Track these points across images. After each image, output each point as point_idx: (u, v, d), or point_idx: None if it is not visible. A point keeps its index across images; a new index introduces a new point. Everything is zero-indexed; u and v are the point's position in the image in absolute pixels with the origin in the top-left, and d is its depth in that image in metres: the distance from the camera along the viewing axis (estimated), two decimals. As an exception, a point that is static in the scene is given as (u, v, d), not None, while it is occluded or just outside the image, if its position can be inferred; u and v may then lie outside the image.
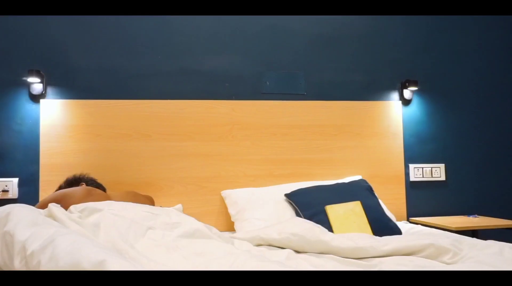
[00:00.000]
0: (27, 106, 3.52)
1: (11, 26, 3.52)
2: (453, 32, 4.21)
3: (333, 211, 3.06)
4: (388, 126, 3.99)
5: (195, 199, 3.63)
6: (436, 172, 4.07)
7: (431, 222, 3.64)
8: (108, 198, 2.88)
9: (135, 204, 2.54)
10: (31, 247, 1.67)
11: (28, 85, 3.52)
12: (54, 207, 2.24)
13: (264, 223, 3.16)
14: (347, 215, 3.05)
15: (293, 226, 2.43)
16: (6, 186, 3.42)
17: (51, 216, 2.19)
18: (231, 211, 3.48)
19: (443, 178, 4.08)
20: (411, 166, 4.03)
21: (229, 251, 1.94)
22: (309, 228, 2.35)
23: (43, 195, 3.41)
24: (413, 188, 4.03)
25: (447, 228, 3.41)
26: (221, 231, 2.99)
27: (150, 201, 3.19)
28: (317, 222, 2.77)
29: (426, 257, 2.11)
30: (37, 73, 3.44)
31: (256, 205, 3.38)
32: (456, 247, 2.12)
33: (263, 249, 2.38)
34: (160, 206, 2.85)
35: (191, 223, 2.27)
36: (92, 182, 3.24)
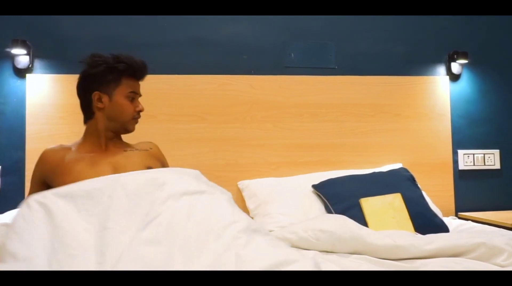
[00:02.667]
0: (11, 82, 3.49)
1: (-8, -12, 3.47)
2: (509, -6, 4.13)
3: (369, 204, 3.02)
4: (433, 105, 3.94)
5: (208, 191, 3.58)
6: (489, 159, 4.02)
7: (483, 217, 3.60)
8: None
9: None
10: None
11: (12, 58, 3.48)
12: None
13: (288, 219, 3.15)
14: (385, 209, 3.00)
15: (322, 222, 2.44)
16: (-13, 175, 3.40)
17: None
18: (250, 204, 3.46)
19: (497, 166, 4.04)
20: (460, 152, 3.99)
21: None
22: (341, 224, 2.34)
23: (29, 186, 3.34)
24: (463, 178, 3.99)
25: (503, 224, 3.35)
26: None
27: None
28: (350, 217, 2.74)
29: (477, 258, 2.07)
30: (22, 44, 3.40)
31: (279, 197, 3.34)
32: (513, 247, 2.10)
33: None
34: None
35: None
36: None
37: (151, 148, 2.76)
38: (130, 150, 2.62)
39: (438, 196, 3.82)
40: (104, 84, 2.47)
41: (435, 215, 3.13)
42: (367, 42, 3.96)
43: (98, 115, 2.50)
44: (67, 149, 2.52)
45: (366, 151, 3.82)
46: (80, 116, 3.45)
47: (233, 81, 3.70)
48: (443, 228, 3.04)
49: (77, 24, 3.58)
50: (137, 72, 2.56)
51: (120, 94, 2.49)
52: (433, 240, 2.17)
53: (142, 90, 3.51)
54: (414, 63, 4.00)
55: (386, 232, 2.38)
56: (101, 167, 2.42)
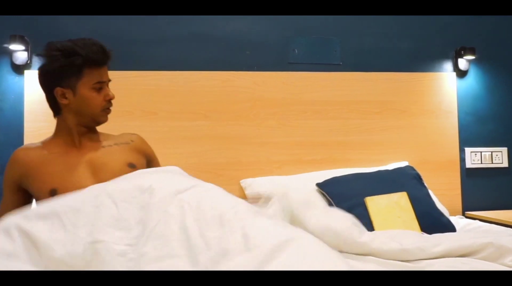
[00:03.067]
0: (9, 78, 3.47)
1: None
2: (518, -12, 4.11)
3: (374, 203, 3.02)
4: (439, 102, 3.93)
5: (210, 189, 3.58)
6: (497, 157, 4.00)
7: (491, 217, 3.58)
8: None
9: None
10: None
11: (10, 53, 3.46)
12: None
13: (292, 219, 3.10)
14: (391, 208, 3.00)
15: (330, 217, 2.35)
16: (-16, 174, 3.36)
17: None
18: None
19: (505, 164, 4.03)
20: (468, 150, 3.97)
21: None
22: (348, 226, 2.27)
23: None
24: (470, 177, 3.98)
25: (511, 224, 3.34)
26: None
27: None
28: (355, 216, 2.73)
29: (485, 258, 2.08)
30: (20, 39, 3.38)
31: (283, 196, 3.30)
32: (521, 246, 2.09)
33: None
34: None
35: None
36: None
37: (132, 141, 2.61)
38: (109, 146, 2.49)
39: (445, 195, 3.80)
40: (64, 78, 2.32)
41: (441, 214, 3.13)
42: (373, 37, 3.94)
43: (65, 111, 2.37)
44: (38, 148, 2.40)
45: (371, 149, 3.81)
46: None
47: (235, 77, 3.68)
48: (450, 228, 3.05)
49: (76, 19, 3.55)
50: (98, 60, 2.38)
51: (84, 87, 2.34)
52: (440, 242, 2.17)
53: (143, 87, 3.53)
54: (420, 59, 3.98)
55: (392, 232, 2.38)
56: (79, 169, 2.32)
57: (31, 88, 3.42)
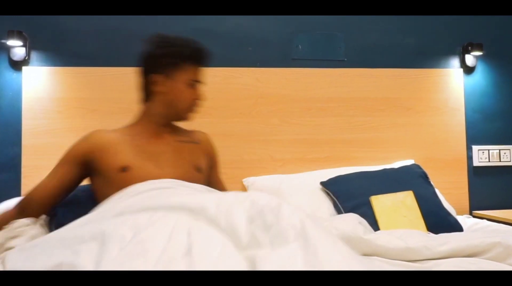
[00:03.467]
0: (7, 74, 3.45)
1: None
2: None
3: (379, 202, 3.00)
4: (446, 99, 3.92)
5: (211, 188, 3.56)
6: (505, 155, 4.00)
7: (499, 216, 3.57)
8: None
9: None
10: None
11: (7, 49, 3.44)
12: None
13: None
14: (396, 207, 2.98)
15: (338, 218, 2.42)
16: (-19, 173, 3.37)
17: None
18: (255, 202, 3.40)
19: (514, 162, 4.00)
20: (475, 148, 3.96)
21: None
22: (354, 225, 2.27)
23: (26, 183, 3.32)
24: (477, 175, 3.96)
25: (520, 223, 3.29)
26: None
27: None
28: (360, 215, 2.73)
29: (492, 258, 2.04)
30: (18, 35, 3.36)
31: (286, 195, 3.30)
32: (529, 246, 2.06)
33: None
34: None
35: None
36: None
37: (201, 141, 2.74)
38: (182, 142, 2.60)
39: (452, 193, 3.79)
40: (164, 67, 2.47)
41: (448, 214, 3.11)
42: (378, 33, 3.92)
43: (155, 99, 2.51)
44: (115, 130, 2.52)
45: (376, 147, 3.80)
46: (79, 110, 3.47)
47: (238, 73, 3.66)
48: (457, 227, 3.02)
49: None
50: (201, 58, 2.56)
51: (179, 79, 2.48)
52: (447, 241, 2.13)
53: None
54: (426, 55, 3.97)
55: (397, 232, 2.34)
56: (152, 157, 2.45)
57: (29, 85, 3.42)
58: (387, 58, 3.92)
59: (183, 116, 2.57)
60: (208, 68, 3.54)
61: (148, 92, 2.53)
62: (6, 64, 3.45)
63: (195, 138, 2.70)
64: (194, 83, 2.52)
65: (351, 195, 3.14)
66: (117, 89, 3.49)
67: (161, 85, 2.47)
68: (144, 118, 2.55)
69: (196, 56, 2.52)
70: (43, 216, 2.41)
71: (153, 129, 2.53)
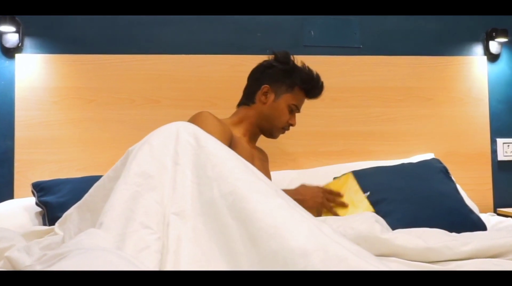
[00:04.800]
0: (-2, 62, 3.40)
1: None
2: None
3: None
4: (469, 89, 3.89)
5: (218, 184, 3.53)
6: (532, 149, 3.89)
7: (525, 214, 3.49)
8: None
9: None
10: None
11: (-1, 36, 3.40)
12: None
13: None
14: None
15: (354, 217, 2.40)
16: (-28, 167, 3.37)
17: None
18: (265, 200, 3.36)
19: (541, 156, 3.94)
20: (500, 141, 3.93)
21: None
22: (369, 225, 2.26)
23: (19, 178, 3.34)
24: (502, 170, 3.93)
25: (547, 222, 3.24)
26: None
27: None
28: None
29: (517, 259, 2.00)
30: (11, 20, 3.34)
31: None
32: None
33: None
34: None
35: None
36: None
37: (264, 160, 3.05)
38: (261, 160, 2.92)
39: (475, 190, 3.74)
40: (279, 83, 2.81)
41: (471, 211, 3.06)
42: (396, 18, 3.89)
43: (256, 107, 2.83)
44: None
45: (394, 140, 3.78)
46: (75, 100, 3.42)
47: (246, 61, 3.49)
48: (480, 226, 2.97)
49: (72, -1, 3.51)
50: (312, 90, 2.90)
51: (285, 100, 2.81)
52: (470, 241, 2.10)
53: (145, 73, 3.49)
54: (447, 41, 3.94)
55: (417, 230, 2.32)
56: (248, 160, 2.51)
57: (23, 74, 3.42)
58: (405, 45, 3.90)
59: (272, 133, 2.91)
60: (213, 55, 3.58)
61: (252, 98, 2.87)
62: (-3, 51, 3.41)
63: (265, 158, 3.05)
64: (295, 109, 2.86)
65: (366, 191, 3.07)
66: (116, 78, 3.49)
67: (267, 97, 2.81)
68: (244, 122, 2.87)
69: (308, 87, 2.87)
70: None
71: (250, 135, 2.89)
